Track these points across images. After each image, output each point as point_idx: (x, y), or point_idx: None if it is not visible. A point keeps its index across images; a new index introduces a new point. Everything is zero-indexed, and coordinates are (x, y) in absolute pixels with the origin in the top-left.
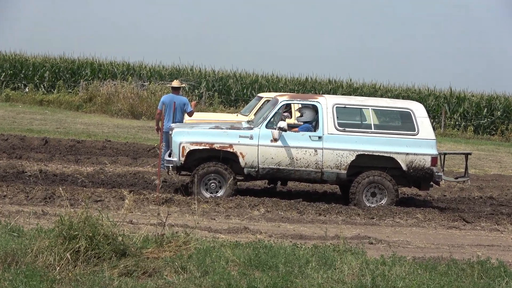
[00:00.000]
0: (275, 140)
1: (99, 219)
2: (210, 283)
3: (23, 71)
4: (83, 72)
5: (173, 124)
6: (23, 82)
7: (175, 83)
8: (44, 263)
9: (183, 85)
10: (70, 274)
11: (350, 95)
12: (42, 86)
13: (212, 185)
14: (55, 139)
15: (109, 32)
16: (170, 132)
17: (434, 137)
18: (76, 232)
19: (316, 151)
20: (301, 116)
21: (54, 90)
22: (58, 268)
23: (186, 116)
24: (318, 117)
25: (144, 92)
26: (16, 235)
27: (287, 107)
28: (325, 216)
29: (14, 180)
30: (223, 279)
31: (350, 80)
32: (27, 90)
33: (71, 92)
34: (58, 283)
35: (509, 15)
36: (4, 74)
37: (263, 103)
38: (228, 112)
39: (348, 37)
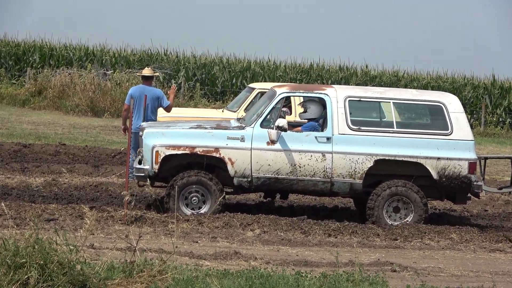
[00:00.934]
0: (273, 142)
1: (52, 243)
2: None
3: None
4: (30, 59)
5: (144, 123)
6: None
7: (146, 72)
8: None
9: (156, 73)
10: None
11: (366, 85)
12: None
13: (194, 200)
14: None
15: (63, 9)
16: (141, 132)
17: (472, 138)
18: (24, 260)
19: (324, 155)
20: (305, 112)
21: None
22: None
23: (158, 112)
24: (326, 113)
25: (107, 83)
26: None
27: (287, 101)
28: (336, 238)
29: None
30: None
31: (366, 66)
32: None
33: (15, 83)
34: None
35: None
36: None
37: (256, 95)
38: (213, 108)
39: (363, 13)
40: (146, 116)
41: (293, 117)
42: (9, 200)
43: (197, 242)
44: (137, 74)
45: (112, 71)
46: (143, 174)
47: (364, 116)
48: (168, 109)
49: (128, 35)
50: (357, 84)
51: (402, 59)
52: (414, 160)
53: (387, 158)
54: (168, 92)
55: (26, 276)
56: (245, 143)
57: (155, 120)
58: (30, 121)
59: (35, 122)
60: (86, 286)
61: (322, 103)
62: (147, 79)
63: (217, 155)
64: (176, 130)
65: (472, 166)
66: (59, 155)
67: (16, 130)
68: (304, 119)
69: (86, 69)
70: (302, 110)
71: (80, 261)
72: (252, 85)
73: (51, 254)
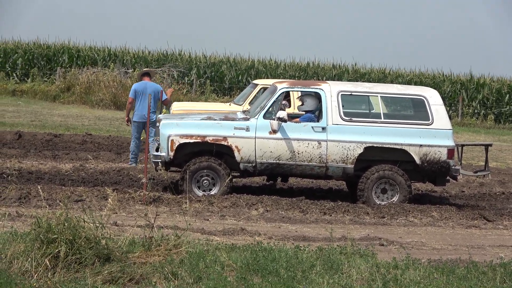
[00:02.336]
0: (274, 131)
1: (80, 220)
2: None
3: None
4: (59, 59)
5: (160, 115)
6: None
7: (147, 69)
8: (20, 269)
9: (156, 71)
10: (48, 282)
11: (357, 81)
12: (14, 75)
13: (205, 182)
14: (30, 133)
15: (88, 15)
16: (158, 123)
17: (450, 127)
18: (55, 236)
19: (319, 143)
20: (302, 105)
21: (27, 78)
22: (36, 275)
23: (173, 106)
24: (321, 105)
25: (128, 80)
26: None
27: (287, 95)
28: (330, 216)
29: None
30: (218, 285)
31: (356, 65)
32: None
33: (46, 81)
34: None
35: None
36: None
37: (259, 91)
38: (222, 101)
39: (353, 17)
40: (149, 107)
41: (292, 110)
42: (42, 183)
43: (207, 220)
44: (137, 72)
45: (132, 69)
46: (160, 160)
47: (355, 108)
48: (165, 102)
49: (146, 38)
50: (349, 80)
51: (389, 58)
52: (399, 147)
53: (375, 145)
54: (167, 89)
55: (57, 250)
56: (250, 132)
57: (155, 111)
58: (60, 114)
59: (65, 115)
60: (110, 259)
61: (317, 97)
62: (146, 75)
63: (225, 143)
64: (189, 121)
65: (450, 152)
66: (86, 144)
67: (47, 122)
68: (302, 111)
69: (109, 68)
70: (300, 103)
71: (105, 236)
72: (255, 81)
73: (79, 230)
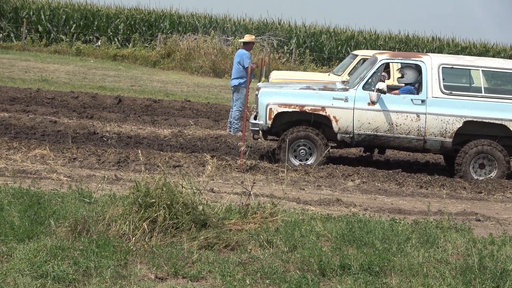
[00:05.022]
0: (373, 103)
1: (177, 186)
2: (299, 259)
3: (95, 23)
4: (161, 25)
5: (259, 83)
6: (95, 34)
7: (246, 38)
8: (118, 232)
9: (256, 40)
10: (145, 246)
11: (458, 55)
12: (116, 40)
13: (302, 152)
14: (130, 98)
15: None
16: (256, 92)
17: None
18: (153, 200)
19: (418, 116)
20: (402, 77)
21: (129, 44)
22: (133, 238)
23: (272, 75)
24: (421, 78)
25: (228, 48)
26: (87, 201)
27: (386, 67)
28: (427, 189)
29: (84, 141)
30: (313, 255)
31: (456, 38)
32: (99, 43)
33: (147, 46)
34: (132, 254)
35: None
36: (74, 25)
37: (358, 61)
38: (321, 71)
39: None
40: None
41: (391, 81)
42: (141, 148)
43: (303, 189)
44: (240, 40)
45: (233, 37)
46: (257, 129)
47: (455, 81)
48: (247, 70)
49: (247, 6)
50: (449, 54)
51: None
52: (499, 122)
53: (474, 120)
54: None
55: (155, 214)
56: (348, 103)
57: (237, 76)
58: (160, 80)
59: (164, 81)
60: (206, 225)
61: (418, 69)
62: (244, 44)
63: (323, 113)
64: (288, 90)
65: None
66: (185, 110)
67: (147, 88)
68: (402, 83)
69: (210, 35)
70: (399, 75)
71: (202, 202)
72: (355, 52)
73: (177, 195)
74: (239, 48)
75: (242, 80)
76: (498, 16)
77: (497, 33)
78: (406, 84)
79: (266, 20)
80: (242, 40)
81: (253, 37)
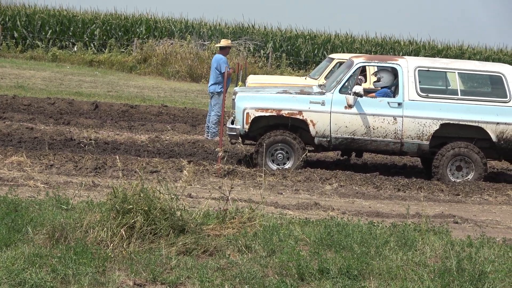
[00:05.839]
0: (350, 106)
1: (155, 191)
2: (278, 263)
3: (71, 28)
4: (137, 30)
5: (236, 88)
6: (71, 40)
7: (223, 42)
8: (96, 239)
9: (232, 44)
10: (124, 252)
11: (434, 57)
12: (92, 45)
13: (279, 156)
14: (106, 104)
15: None
16: (233, 96)
17: None
18: (131, 206)
19: (395, 119)
20: (378, 80)
21: (105, 49)
22: (111, 244)
23: (249, 79)
24: (397, 81)
25: (205, 53)
26: (64, 208)
27: (363, 70)
28: (404, 192)
29: (61, 148)
30: (291, 259)
31: (433, 41)
32: (75, 49)
33: (123, 52)
34: (111, 261)
35: None
36: (50, 31)
37: (335, 65)
38: (297, 75)
39: None
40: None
41: (368, 85)
42: (118, 154)
43: (281, 193)
44: (216, 45)
45: (209, 41)
46: (235, 133)
47: (432, 84)
48: (223, 75)
49: (222, 10)
50: (425, 57)
51: (467, 34)
52: (476, 124)
53: (451, 122)
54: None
55: (133, 220)
56: (325, 107)
57: (215, 82)
58: (136, 85)
59: (141, 86)
60: (184, 230)
61: (394, 72)
62: (220, 49)
63: (301, 117)
64: (264, 94)
65: None
66: (162, 115)
67: (124, 93)
68: (378, 87)
69: (186, 40)
70: (375, 79)
71: (180, 208)
72: (332, 55)
73: (155, 201)
74: (215, 53)
75: (219, 86)
76: (476, 18)
77: (473, 34)
78: (382, 88)
79: (242, 24)
80: (218, 45)
81: (229, 41)
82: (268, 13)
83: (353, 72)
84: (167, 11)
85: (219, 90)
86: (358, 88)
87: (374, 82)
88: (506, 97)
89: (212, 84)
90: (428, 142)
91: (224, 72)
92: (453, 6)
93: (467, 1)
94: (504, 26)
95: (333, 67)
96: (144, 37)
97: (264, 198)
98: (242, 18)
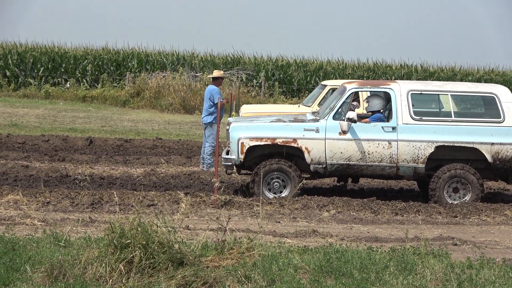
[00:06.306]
0: (344, 132)
1: (152, 225)
2: None
3: (63, 65)
4: (129, 64)
5: (230, 118)
6: (63, 77)
7: (216, 73)
8: (94, 275)
9: (225, 75)
10: (123, 287)
11: (426, 80)
12: (84, 81)
13: (276, 185)
14: (101, 139)
15: (156, 22)
16: (227, 126)
17: None
18: (128, 241)
19: (390, 143)
20: (370, 105)
21: (97, 84)
22: (110, 280)
23: (243, 109)
24: (391, 105)
25: (197, 84)
26: (62, 245)
27: (356, 96)
28: (402, 216)
29: (57, 184)
30: None
31: (425, 64)
32: (68, 85)
33: (116, 86)
34: None
35: None
36: (42, 69)
37: (327, 92)
38: (291, 103)
39: (420, 15)
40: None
41: (362, 110)
42: (114, 189)
43: (279, 222)
44: (209, 76)
45: (201, 73)
46: (230, 163)
47: (425, 107)
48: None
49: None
50: (418, 80)
51: (458, 56)
52: (471, 145)
53: (446, 144)
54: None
55: (131, 255)
56: (319, 133)
57: (209, 113)
58: (130, 119)
59: (135, 120)
60: (183, 263)
61: (387, 96)
62: (215, 80)
63: (295, 145)
64: (258, 123)
65: None
66: (156, 148)
67: (118, 127)
68: (369, 111)
69: (178, 72)
70: (367, 104)
71: (178, 241)
72: (324, 82)
73: (152, 235)
74: (208, 84)
75: (213, 116)
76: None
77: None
78: (373, 112)
79: (233, 54)
80: (211, 75)
81: (222, 72)
82: (257, 42)
83: (346, 98)
84: (158, 44)
85: (213, 121)
86: (351, 114)
87: (367, 107)
88: (499, 117)
89: (205, 115)
90: (423, 165)
91: (217, 103)
92: (444, 28)
93: (458, 22)
94: (496, 46)
95: (326, 94)
96: (136, 71)
97: (262, 227)
98: (232, 49)
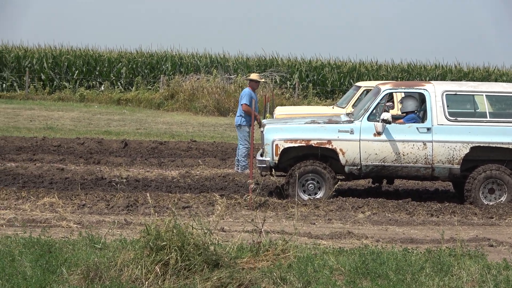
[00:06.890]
0: (379, 133)
1: (188, 227)
2: None
3: (97, 68)
4: (163, 67)
5: (264, 120)
6: (98, 80)
7: (254, 76)
8: (130, 277)
9: (262, 79)
10: None
11: (460, 80)
12: (119, 84)
13: (310, 186)
14: (136, 141)
15: (188, 23)
16: (262, 128)
17: None
18: (164, 243)
19: (425, 144)
20: (405, 106)
21: (132, 87)
22: (146, 282)
23: (277, 110)
24: (425, 106)
25: (231, 86)
26: (98, 247)
27: (390, 97)
28: (437, 217)
29: (93, 187)
30: None
31: (459, 64)
32: (102, 88)
33: (150, 89)
34: None
35: None
36: (77, 72)
37: (362, 93)
38: (325, 105)
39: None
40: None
41: (396, 111)
42: (149, 191)
43: (314, 223)
44: (246, 78)
45: (235, 75)
46: (265, 165)
47: (460, 108)
48: (243, 107)
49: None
50: (452, 80)
51: (493, 56)
52: (506, 146)
53: (481, 145)
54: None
55: (167, 257)
56: (354, 135)
57: (240, 114)
58: (165, 121)
59: (169, 122)
60: (219, 265)
61: (421, 97)
62: (251, 82)
63: (330, 147)
64: (293, 125)
65: None
66: (191, 150)
67: (152, 130)
68: (403, 112)
69: (212, 74)
70: (401, 105)
71: (213, 242)
72: (358, 83)
73: (188, 237)
74: (242, 86)
75: (244, 118)
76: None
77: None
78: (407, 113)
79: (264, 56)
80: (248, 78)
81: (258, 75)
82: (291, 44)
83: (381, 99)
84: (191, 47)
85: (242, 123)
86: (386, 115)
87: (401, 108)
88: None
89: (237, 116)
90: (459, 166)
91: (242, 104)
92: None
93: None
94: None
95: (360, 95)
96: (170, 73)
97: (297, 229)
98: (263, 52)
